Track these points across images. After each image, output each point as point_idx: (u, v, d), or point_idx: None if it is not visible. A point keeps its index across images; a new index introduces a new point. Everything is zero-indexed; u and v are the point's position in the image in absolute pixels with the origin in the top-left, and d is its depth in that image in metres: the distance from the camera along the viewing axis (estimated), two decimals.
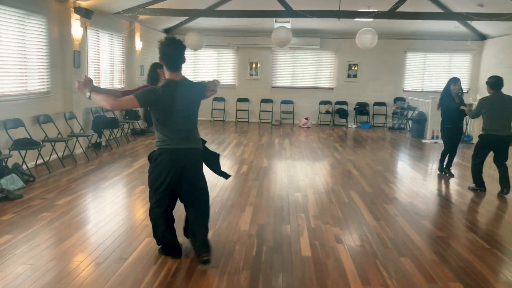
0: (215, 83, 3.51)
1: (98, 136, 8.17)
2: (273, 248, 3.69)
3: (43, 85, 6.81)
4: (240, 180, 6.04)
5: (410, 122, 12.14)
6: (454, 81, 6.59)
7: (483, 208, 5.18)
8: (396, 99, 13.26)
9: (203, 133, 10.88)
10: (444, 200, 5.42)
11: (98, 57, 8.79)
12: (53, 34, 6.96)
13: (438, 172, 6.83)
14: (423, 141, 10.54)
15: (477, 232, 4.25)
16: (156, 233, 3.51)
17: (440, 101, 6.74)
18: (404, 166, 7.72)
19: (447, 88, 6.62)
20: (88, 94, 3.21)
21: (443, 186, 6.18)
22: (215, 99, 13.70)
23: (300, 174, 6.58)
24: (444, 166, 6.72)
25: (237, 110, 13.74)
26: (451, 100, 6.51)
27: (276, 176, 6.35)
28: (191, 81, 3.35)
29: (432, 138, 10.81)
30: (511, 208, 5.17)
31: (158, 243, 3.55)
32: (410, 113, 12.36)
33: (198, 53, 13.58)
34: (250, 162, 7.34)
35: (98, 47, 8.76)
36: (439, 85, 13.41)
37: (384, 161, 7.82)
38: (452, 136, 6.62)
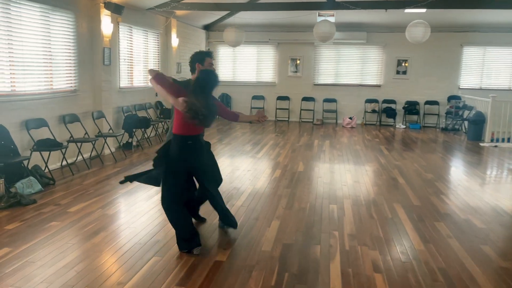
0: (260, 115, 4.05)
1: (129, 136, 7.92)
2: (297, 277, 3.12)
3: (71, 83, 6.60)
4: (270, 187, 5.50)
5: (465, 123, 11.04)
6: None
7: None
8: (450, 98, 12.16)
9: (241, 132, 10.43)
10: (510, 219, 4.59)
11: (131, 54, 8.55)
12: (81, 30, 6.74)
13: None
14: (481, 144, 9.49)
15: None
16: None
17: None
18: (458, 174, 6.85)
19: None
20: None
21: (508, 200, 5.31)
22: (253, 97, 13.24)
23: (339, 181, 5.94)
24: None
25: (276, 108, 13.18)
26: None
27: (311, 184, 5.75)
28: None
29: (492, 141, 9.72)
30: None
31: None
32: (466, 113, 11.25)
33: (238, 50, 13.16)
34: (284, 166, 6.78)
35: (131, 43, 8.51)
36: (500, 82, 12.19)
37: (435, 168, 6.99)
38: None
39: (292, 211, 4.58)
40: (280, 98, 13.17)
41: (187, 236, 3.46)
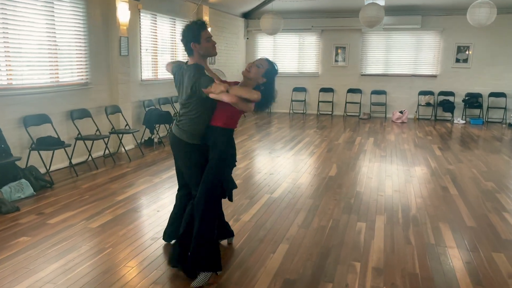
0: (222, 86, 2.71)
1: (150, 132, 7.40)
2: None
3: (81, 75, 6.13)
4: (290, 197, 4.68)
5: None
6: None
7: None
8: None
9: (277, 127, 9.64)
10: None
11: (156, 44, 8.00)
12: (94, 18, 6.24)
13: None
14: None
15: None
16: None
17: None
18: None
19: None
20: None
21: None
22: (294, 89, 12.35)
23: (375, 190, 5.00)
24: None
25: (319, 101, 12.21)
26: None
27: (340, 193, 4.86)
28: (192, 68, 2.87)
29: None
30: None
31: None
32: None
33: (278, 38, 12.33)
34: (314, 170, 5.92)
35: (155, 33, 7.96)
36: None
37: (498, 174, 5.80)
38: None
39: (308, 231, 3.75)
40: (323, 90, 12.18)
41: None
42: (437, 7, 10.71)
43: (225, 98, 2.66)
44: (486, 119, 10.95)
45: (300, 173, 5.73)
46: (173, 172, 5.62)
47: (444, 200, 4.67)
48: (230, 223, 3.86)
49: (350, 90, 11.94)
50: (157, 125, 7.47)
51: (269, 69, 2.93)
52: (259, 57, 3.05)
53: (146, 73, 7.75)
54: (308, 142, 7.89)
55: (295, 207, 4.36)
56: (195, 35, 2.86)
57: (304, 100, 12.38)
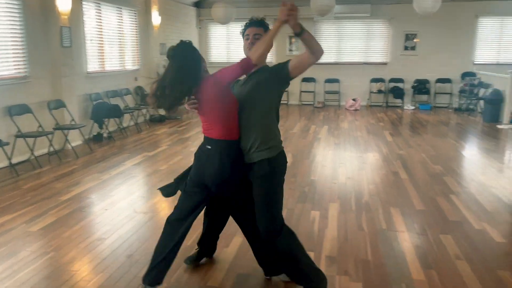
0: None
1: (99, 127, 7.09)
2: None
3: (19, 68, 5.74)
4: None
5: (481, 102, 9.94)
6: None
7: None
8: (464, 75, 11.02)
9: None
10: None
11: (101, 34, 7.64)
12: (31, 7, 5.83)
13: None
14: (499, 126, 8.44)
15: None
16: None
17: None
18: (472, 165, 5.88)
19: None
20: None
21: None
22: None
23: (329, 178, 5.03)
24: None
25: None
26: None
27: (295, 183, 4.85)
28: None
29: (511, 122, 8.67)
30: None
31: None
32: (482, 91, 10.13)
33: (231, 28, 12.15)
34: None
35: (101, 23, 7.60)
36: None
37: (445, 158, 6.01)
38: None
39: None
40: None
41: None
42: None
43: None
44: (434, 104, 11.37)
45: None
46: (123, 168, 5.42)
47: (395, 185, 4.77)
48: None
49: (304, 79, 12.00)
50: (106, 119, 7.16)
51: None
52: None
53: (92, 65, 7.39)
54: None
55: None
56: (242, 34, 2.64)
57: None
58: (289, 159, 5.76)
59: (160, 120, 9.05)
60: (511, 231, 3.54)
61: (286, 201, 4.18)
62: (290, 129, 8.17)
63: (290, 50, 12.05)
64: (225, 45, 12.46)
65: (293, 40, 12.00)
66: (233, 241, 3.32)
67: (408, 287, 2.69)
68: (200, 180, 2.45)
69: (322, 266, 2.93)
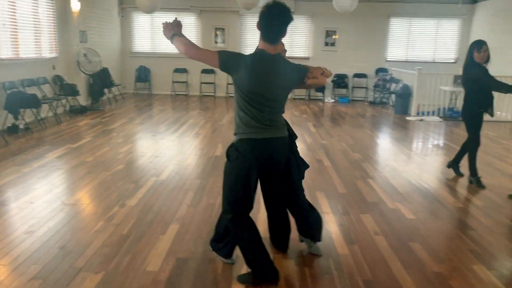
0: (320, 70, 2.73)
1: (14, 118, 6.63)
2: None
3: None
4: (175, 180, 4.65)
5: (393, 96, 10.85)
6: (479, 45, 4.51)
7: (490, 217, 3.94)
8: (378, 70, 11.92)
9: (158, 109, 9.40)
10: (442, 207, 4.15)
11: (14, 18, 7.10)
12: None
13: (472, 178, 4.80)
14: (408, 118, 9.29)
15: (490, 264, 3.00)
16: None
17: (466, 76, 4.72)
18: (386, 152, 6.46)
19: (471, 57, 4.57)
20: (171, 36, 2.62)
21: (439, 183, 4.92)
22: (175, 70, 12.14)
23: None
24: (454, 162, 5.14)
25: (201, 82, 12.20)
26: (484, 73, 4.49)
27: None
28: (288, 61, 2.62)
29: (418, 114, 9.58)
30: None
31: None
32: (393, 86, 11.05)
33: (156, 17, 11.89)
34: (200, 151, 5.96)
35: (14, 6, 7.06)
36: (425, 54, 12.13)
37: (363, 146, 6.53)
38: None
39: (197, 210, 3.80)
40: (205, 71, 12.18)
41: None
42: None
43: (323, 81, 2.75)
44: (352, 98, 12.15)
45: (186, 155, 5.71)
46: (45, 161, 5.17)
47: (320, 171, 5.11)
48: (115, 209, 3.73)
49: None
50: (22, 110, 6.71)
51: None
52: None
53: (5, 52, 6.86)
54: (193, 124, 7.87)
55: (183, 188, 4.35)
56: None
57: (186, 82, 12.25)
58: (219, 149, 5.93)
59: (82, 111, 8.66)
60: (419, 209, 4.00)
61: (219, 189, 4.31)
62: (219, 121, 8.28)
63: (216, 42, 12.11)
64: (150, 35, 12.17)
65: (218, 32, 12.08)
66: (169, 229, 3.38)
67: (335, 261, 2.96)
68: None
69: None
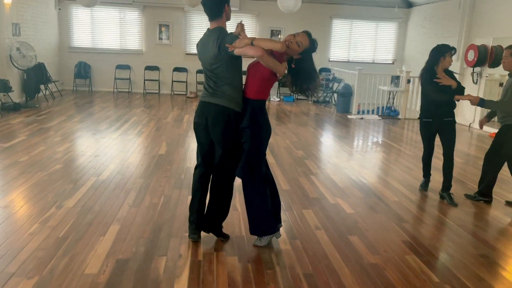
0: (245, 41, 2.73)
1: None
2: None
3: None
4: (117, 179, 4.52)
5: (335, 95, 11.21)
6: (451, 51, 4.22)
7: (428, 214, 4.20)
8: (321, 70, 12.24)
9: (100, 107, 9.06)
10: (379, 201, 4.36)
11: None
12: None
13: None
14: (349, 116, 9.65)
15: (421, 254, 3.20)
16: None
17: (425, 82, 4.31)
18: (328, 149, 6.67)
19: (433, 63, 4.22)
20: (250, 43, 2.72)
21: (378, 178, 5.16)
22: (118, 67, 11.77)
23: None
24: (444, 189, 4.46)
25: (145, 80, 11.91)
26: (429, 82, 4.19)
27: (171, 170, 4.93)
28: (217, 30, 2.88)
29: (358, 113, 9.97)
30: (459, 213, 4.24)
31: None
32: (336, 85, 11.42)
33: (96, 12, 11.46)
34: (143, 149, 5.83)
35: None
36: (364, 55, 12.64)
37: (306, 144, 6.70)
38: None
39: (140, 209, 3.72)
40: (148, 68, 11.91)
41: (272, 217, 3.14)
42: None
43: (250, 51, 2.68)
44: (296, 97, 12.40)
45: (128, 153, 5.56)
46: None
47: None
48: (52, 210, 3.57)
49: (176, 69, 11.97)
50: None
51: (307, 48, 3.00)
52: (301, 30, 3.06)
53: None
54: (136, 122, 7.68)
55: (125, 187, 4.25)
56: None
57: (129, 79, 11.91)
58: (163, 147, 5.84)
59: (15, 108, 8.16)
60: (358, 204, 4.18)
61: (163, 188, 4.26)
62: (163, 119, 8.13)
63: (160, 39, 11.88)
64: (90, 30, 11.70)
65: (163, 28, 11.85)
66: (109, 229, 3.28)
67: (277, 256, 3.03)
68: None
69: (200, 247, 3.10)
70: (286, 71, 2.97)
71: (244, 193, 3.06)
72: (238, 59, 2.89)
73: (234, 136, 2.95)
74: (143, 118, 8.06)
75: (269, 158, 5.66)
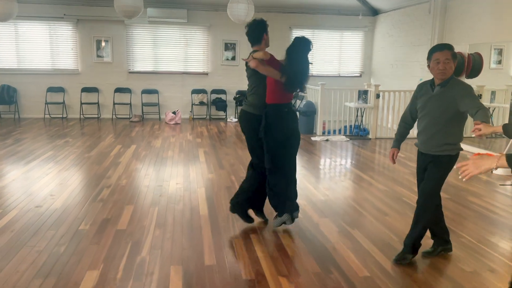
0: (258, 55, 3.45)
1: None
2: None
3: None
4: None
5: (297, 114, 9.97)
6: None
7: None
8: None
9: (14, 139, 7.47)
10: (340, 278, 3.02)
11: None
12: None
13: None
14: (313, 138, 8.41)
15: None
16: None
17: None
18: None
19: None
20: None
21: (342, 237, 3.84)
22: (49, 89, 10.26)
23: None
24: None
25: (82, 103, 10.39)
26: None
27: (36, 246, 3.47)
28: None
29: (323, 133, 8.77)
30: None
31: None
32: (298, 102, 10.19)
33: (21, 27, 9.98)
34: (26, 196, 4.34)
35: None
36: (329, 68, 11.49)
37: None
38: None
39: None
40: (86, 89, 10.44)
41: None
42: (202, 1, 10.25)
43: (250, 64, 3.35)
44: None
45: (6, 211, 4.07)
46: None
47: (191, 225, 3.79)
48: None
49: (118, 90, 10.54)
50: None
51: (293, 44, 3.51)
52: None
53: None
54: (47, 159, 6.17)
55: None
56: (266, 28, 3.70)
57: (63, 102, 10.37)
58: (57, 203, 4.26)
59: None
60: None
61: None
62: (86, 153, 6.66)
63: (99, 56, 10.44)
64: (15, 48, 10.15)
65: (103, 45, 10.42)
66: None
67: None
68: None
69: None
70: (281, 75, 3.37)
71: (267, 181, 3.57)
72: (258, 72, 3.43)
73: (256, 133, 3.53)
74: (61, 153, 6.56)
75: (201, 209, 4.28)
